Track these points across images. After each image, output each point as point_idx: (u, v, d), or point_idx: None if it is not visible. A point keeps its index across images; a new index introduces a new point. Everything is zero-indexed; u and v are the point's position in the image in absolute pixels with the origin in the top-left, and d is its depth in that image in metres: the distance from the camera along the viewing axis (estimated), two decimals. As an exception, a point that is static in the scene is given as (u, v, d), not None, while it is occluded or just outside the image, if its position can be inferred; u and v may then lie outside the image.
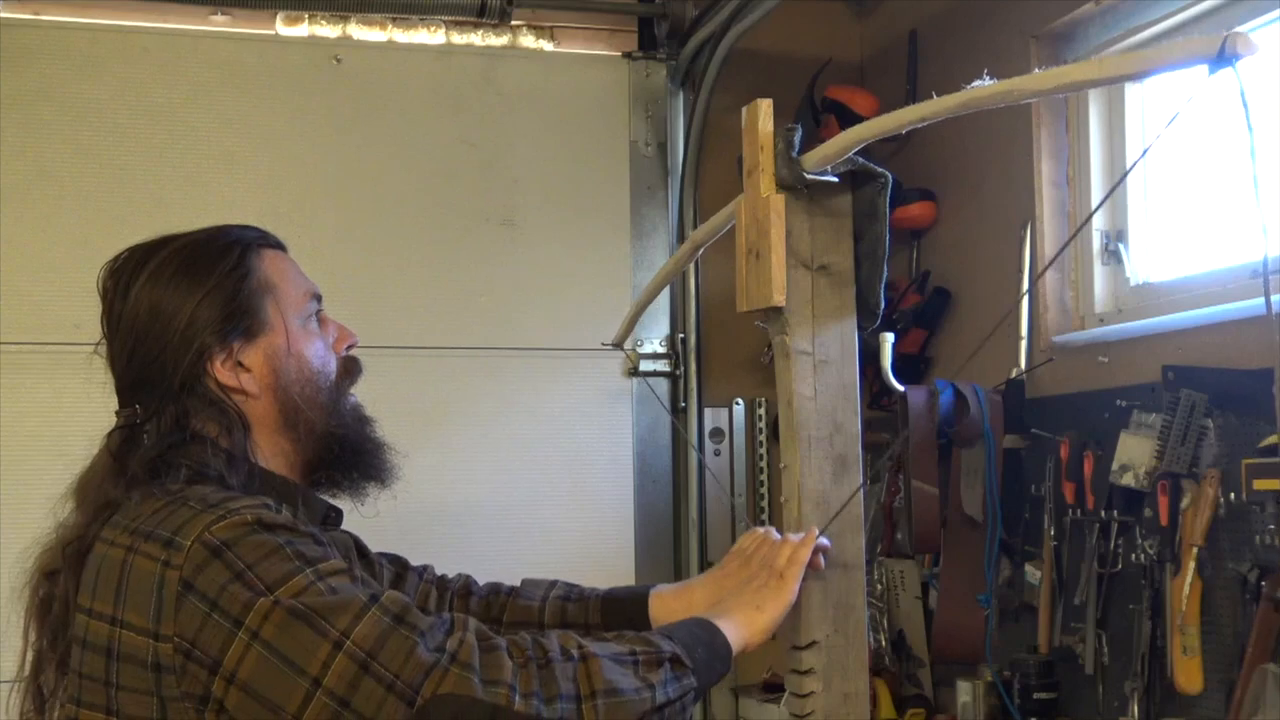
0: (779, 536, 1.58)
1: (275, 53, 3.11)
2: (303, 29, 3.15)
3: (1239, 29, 2.23)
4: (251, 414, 1.46)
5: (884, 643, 2.95)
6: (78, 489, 1.46)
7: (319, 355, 1.51)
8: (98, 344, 1.49)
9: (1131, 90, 2.58)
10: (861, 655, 1.57)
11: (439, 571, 1.78)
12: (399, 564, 1.73)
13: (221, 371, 1.44)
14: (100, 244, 2.91)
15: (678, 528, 3.27)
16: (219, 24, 3.11)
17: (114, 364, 1.47)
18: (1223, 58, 1.06)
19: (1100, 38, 2.55)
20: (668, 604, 1.68)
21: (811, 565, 1.52)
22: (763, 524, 3.25)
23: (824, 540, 1.53)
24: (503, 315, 3.17)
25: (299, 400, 1.47)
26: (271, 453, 1.48)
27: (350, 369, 1.56)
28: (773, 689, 3.06)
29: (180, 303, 1.43)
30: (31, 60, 2.95)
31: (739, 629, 1.46)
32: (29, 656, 1.45)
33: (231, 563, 1.25)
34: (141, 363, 1.44)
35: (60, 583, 1.40)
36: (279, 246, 1.55)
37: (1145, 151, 1.25)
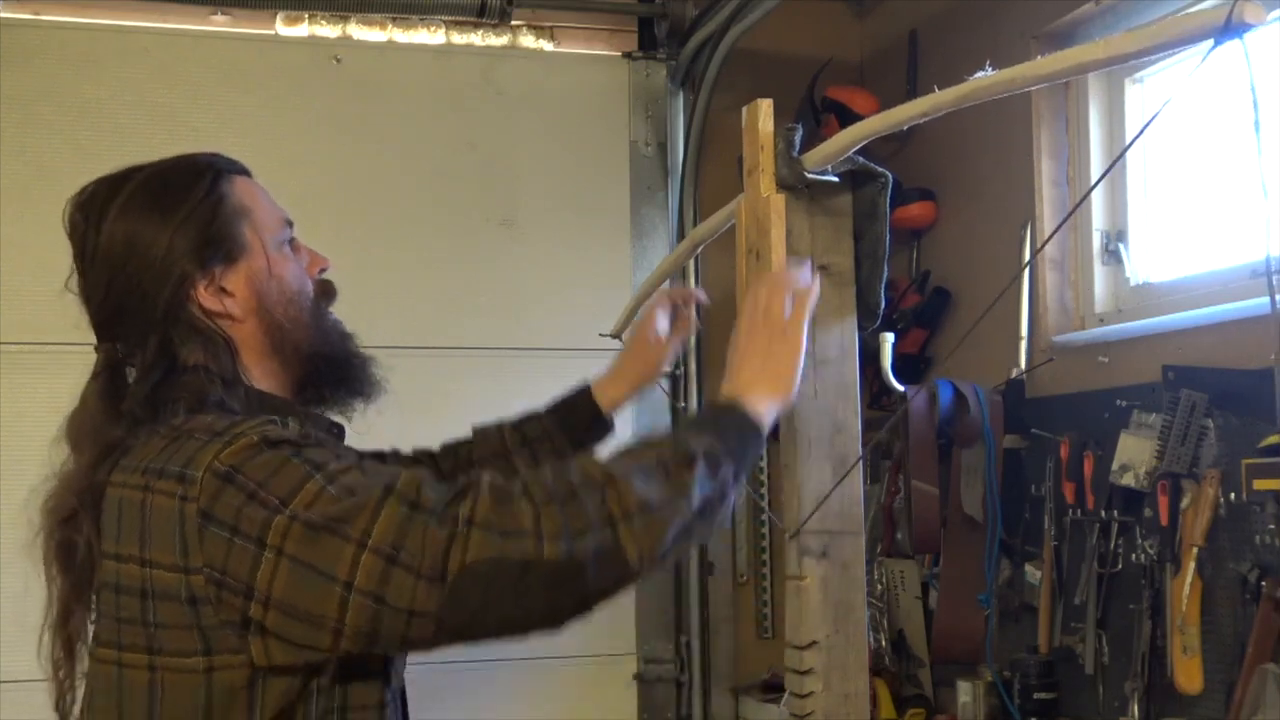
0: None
1: (275, 53, 3.11)
2: (303, 29, 3.15)
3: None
4: (238, 338, 1.45)
5: (884, 643, 2.95)
6: (70, 432, 1.44)
7: (296, 277, 1.51)
8: (68, 279, 1.46)
9: (1131, 89, 2.58)
10: (861, 655, 1.57)
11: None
12: (380, 456, 1.78)
13: (206, 297, 1.43)
14: (100, 244, 2.96)
15: (677, 528, 3.26)
16: (219, 24, 3.11)
17: (89, 299, 1.45)
18: (1229, 29, 1.00)
19: (1100, 38, 2.55)
20: (607, 391, 1.84)
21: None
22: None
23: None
24: (503, 315, 3.17)
25: (284, 321, 1.47)
26: (261, 375, 1.47)
27: (327, 290, 1.57)
28: (773, 689, 3.06)
29: (156, 232, 1.42)
30: (31, 60, 2.95)
31: (764, 398, 1.39)
32: (54, 603, 1.43)
33: (243, 485, 1.25)
34: (120, 294, 1.42)
35: (82, 529, 1.39)
36: (246, 173, 1.54)
37: (1149, 123, 1.21)
